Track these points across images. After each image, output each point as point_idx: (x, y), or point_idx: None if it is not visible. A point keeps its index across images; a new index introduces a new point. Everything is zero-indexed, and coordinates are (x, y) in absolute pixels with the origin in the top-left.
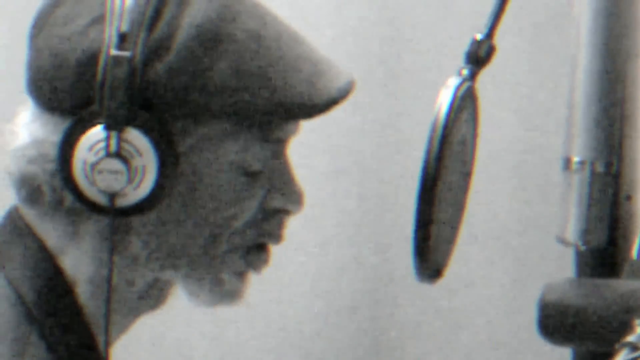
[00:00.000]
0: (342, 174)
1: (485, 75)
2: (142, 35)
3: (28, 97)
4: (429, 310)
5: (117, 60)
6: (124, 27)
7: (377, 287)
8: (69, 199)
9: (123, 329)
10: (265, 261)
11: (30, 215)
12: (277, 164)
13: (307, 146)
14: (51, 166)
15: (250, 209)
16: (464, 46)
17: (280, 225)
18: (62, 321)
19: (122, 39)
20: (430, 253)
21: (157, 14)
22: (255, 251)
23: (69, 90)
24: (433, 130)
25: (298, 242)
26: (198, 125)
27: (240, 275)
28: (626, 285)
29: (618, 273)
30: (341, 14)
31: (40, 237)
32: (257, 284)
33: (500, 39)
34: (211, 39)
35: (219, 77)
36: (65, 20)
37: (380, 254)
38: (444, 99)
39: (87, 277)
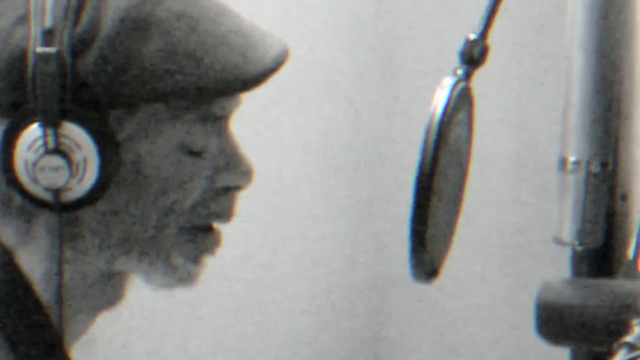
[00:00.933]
0: (339, 173)
1: (480, 75)
2: (67, 28)
3: None
4: (426, 311)
5: (44, 57)
6: (49, 23)
7: (374, 287)
8: (16, 198)
9: (85, 324)
10: (216, 242)
11: None
12: (220, 141)
13: (302, 146)
14: None
15: (197, 189)
16: (459, 46)
17: (230, 203)
18: (24, 321)
19: (48, 34)
20: (426, 253)
21: (80, 4)
22: (205, 233)
23: (2, 91)
24: (428, 130)
25: (295, 242)
26: (134, 112)
27: (193, 259)
28: (622, 285)
29: (614, 273)
30: (337, 13)
31: None
32: (254, 284)
33: (495, 39)
34: (136, 23)
35: (149, 61)
36: None
37: (378, 254)
38: (439, 99)
39: (42, 274)
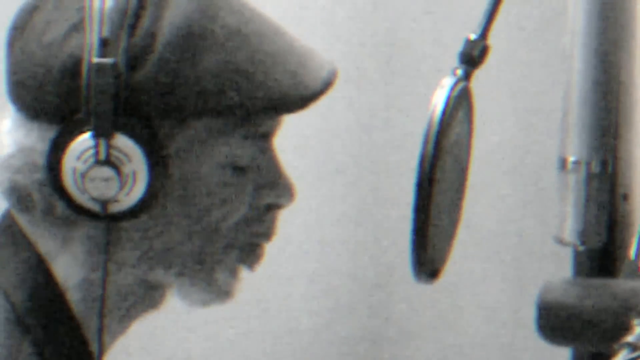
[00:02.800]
0: (339, 174)
1: (480, 75)
2: (123, 40)
3: (9, 103)
4: (427, 310)
5: (100, 67)
6: (105, 33)
7: (374, 287)
8: (59, 206)
9: (117, 333)
10: (259, 258)
11: (22, 220)
12: (264, 159)
13: (304, 146)
14: (40, 175)
15: (241, 205)
16: (459, 46)
17: (272, 222)
18: (54, 329)
19: (104, 45)
20: (427, 253)
21: (136, 17)
22: (248, 250)
23: (53, 98)
24: (428, 130)
25: (296, 242)
26: (185, 126)
27: (233, 273)
28: (624, 285)
29: (615, 273)
30: (336, 12)
31: (32, 242)
32: (255, 283)
33: (495, 39)
34: (192, 39)
35: (203, 76)
36: (45, 26)
37: (378, 254)
38: (438, 99)
39: (77, 283)
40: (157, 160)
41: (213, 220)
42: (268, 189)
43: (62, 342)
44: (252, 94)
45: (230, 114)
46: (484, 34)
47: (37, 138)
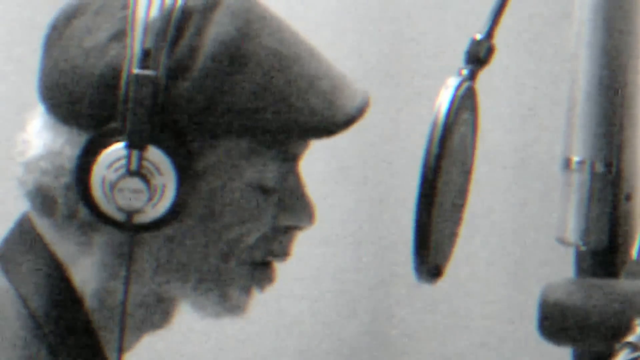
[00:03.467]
0: (342, 173)
1: (485, 75)
2: (165, 52)
3: (41, 104)
4: (429, 310)
5: (140, 79)
6: (146, 44)
7: (377, 287)
8: (83, 211)
9: (129, 345)
10: (270, 279)
11: (41, 224)
12: (290, 181)
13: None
14: (66, 179)
15: (262, 225)
16: (464, 46)
17: (289, 242)
18: (71, 337)
19: (145, 56)
20: (430, 253)
21: (179, 31)
22: (262, 268)
23: (88, 105)
24: (433, 130)
25: (299, 242)
26: (218, 144)
27: (247, 291)
28: (626, 286)
29: (618, 273)
30: (341, 13)
31: (50, 247)
32: None
33: (500, 39)
34: (233, 57)
35: (241, 96)
36: (85, 32)
37: (381, 254)
38: (443, 99)
39: (95, 290)
40: (186, 175)
41: (232, 237)
42: (290, 211)
43: (79, 349)
44: (287, 117)
45: (263, 135)
46: (489, 34)
47: (67, 142)
